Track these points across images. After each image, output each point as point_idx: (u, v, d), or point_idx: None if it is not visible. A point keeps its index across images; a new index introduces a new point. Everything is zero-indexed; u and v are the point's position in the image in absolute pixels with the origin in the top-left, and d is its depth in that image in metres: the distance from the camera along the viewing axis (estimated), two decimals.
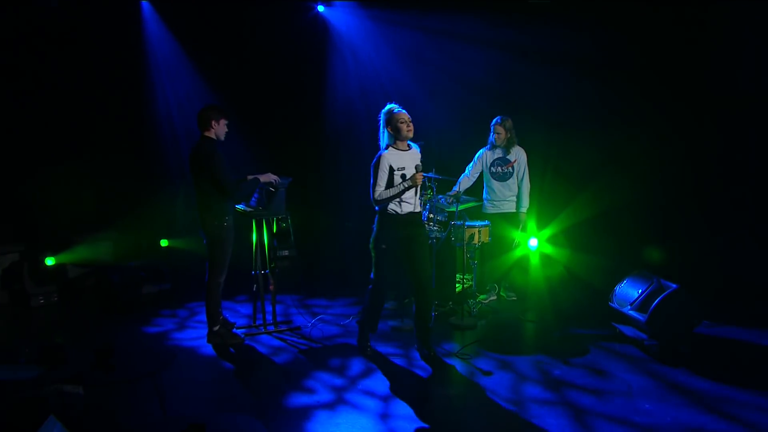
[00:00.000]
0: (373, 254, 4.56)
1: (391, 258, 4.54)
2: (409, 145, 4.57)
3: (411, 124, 4.44)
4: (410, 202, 4.48)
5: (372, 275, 4.62)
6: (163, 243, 7.70)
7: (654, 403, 3.83)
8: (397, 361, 4.66)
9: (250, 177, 5.13)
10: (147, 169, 7.77)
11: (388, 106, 4.48)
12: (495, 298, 6.27)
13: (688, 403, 3.82)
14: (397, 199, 4.43)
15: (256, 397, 4.11)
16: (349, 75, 7.94)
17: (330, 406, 3.91)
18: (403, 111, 4.47)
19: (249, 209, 5.33)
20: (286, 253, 7.41)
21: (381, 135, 4.52)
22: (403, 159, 4.46)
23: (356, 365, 4.59)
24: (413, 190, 4.45)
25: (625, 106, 6.87)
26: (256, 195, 5.47)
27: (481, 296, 6.19)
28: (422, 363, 4.58)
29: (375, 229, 4.56)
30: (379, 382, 4.26)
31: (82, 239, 6.94)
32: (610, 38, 6.77)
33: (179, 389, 4.10)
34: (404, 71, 7.59)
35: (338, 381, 4.31)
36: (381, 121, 4.50)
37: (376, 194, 4.41)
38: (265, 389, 4.23)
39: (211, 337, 5.08)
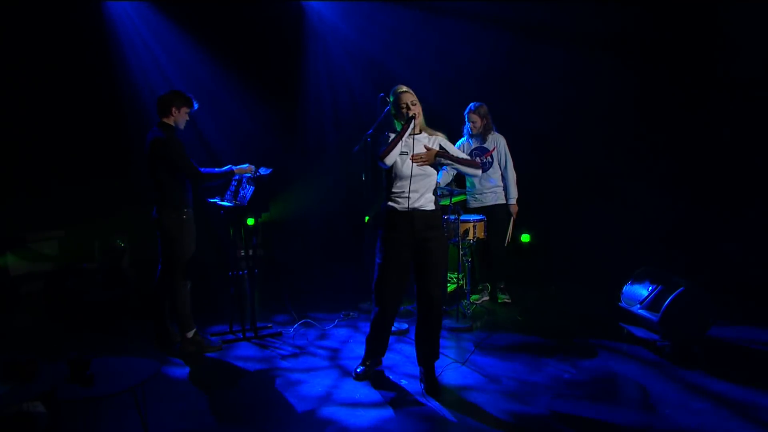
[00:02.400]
0: (376, 257, 4.08)
1: (395, 266, 4.01)
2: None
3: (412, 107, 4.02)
4: (411, 197, 3.94)
5: (373, 284, 4.10)
6: (119, 243, 7.31)
7: (674, 409, 3.77)
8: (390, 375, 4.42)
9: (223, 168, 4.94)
10: (100, 158, 7.32)
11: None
12: (488, 298, 6.19)
13: (711, 408, 3.77)
14: (397, 194, 3.99)
15: (240, 409, 3.88)
16: (329, 60, 7.75)
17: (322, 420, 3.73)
18: (403, 91, 4.08)
19: (228, 204, 5.10)
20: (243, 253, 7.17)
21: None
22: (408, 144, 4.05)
23: (345, 377, 4.38)
24: (421, 184, 3.96)
25: (628, 96, 6.87)
26: (231, 188, 5.26)
27: (474, 296, 6.09)
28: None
29: (380, 229, 4.11)
30: (365, 396, 4.04)
31: (24, 238, 6.51)
32: (613, 26, 6.77)
33: (156, 403, 3.84)
34: (385, 54, 7.45)
35: (329, 392, 4.13)
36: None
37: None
38: (250, 400, 4.00)
39: (185, 345, 4.81)
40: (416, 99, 4.06)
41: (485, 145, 5.91)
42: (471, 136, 5.96)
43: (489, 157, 5.89)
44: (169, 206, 4.68)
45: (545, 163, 6.82)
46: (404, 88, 4.09)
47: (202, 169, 4.79)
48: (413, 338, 4.31)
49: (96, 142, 7.18)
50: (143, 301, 6.12)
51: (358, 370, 4.30)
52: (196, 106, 4.90)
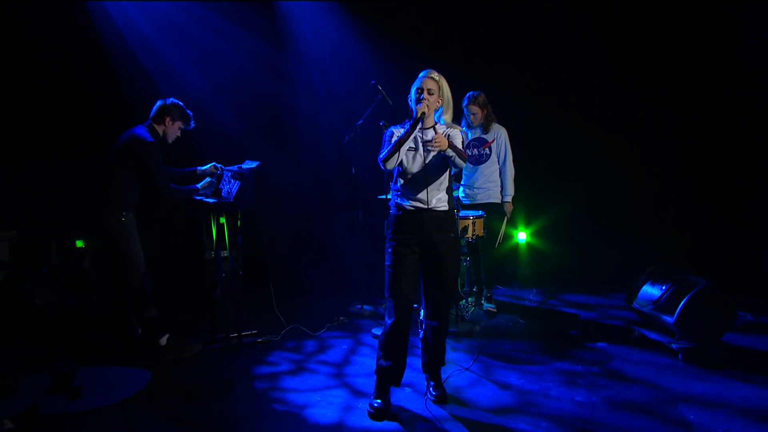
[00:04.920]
0: (386, 259, 3.75)
1: (406, 271, 3.66)
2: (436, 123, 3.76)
3: (427, 96, 3.63)
4: (420, 196, 3.65)
5: (386, 292, 3.74)
6: (79, 244, 6.99)
7: (699, 415, 3.72)
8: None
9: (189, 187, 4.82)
10: (58, 150, 6.92)
11: None
12: (480, 302, 6.08)
13: (737, 413, 3.73)
14: (405, 192, 3.71)
15: (234, 422, 3.69)
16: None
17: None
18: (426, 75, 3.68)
19: (212, 200, 4.91)
20: (225, 254, 6.94)
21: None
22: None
23: (340, 389, 4.21)
24: (428, 179, 3.64)
25: (619, 84, 6.87)
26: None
27: (470, 298, 5.99)
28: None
29: (388, 230, 3.78)
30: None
31: None
32: (603, 18, 6.76)
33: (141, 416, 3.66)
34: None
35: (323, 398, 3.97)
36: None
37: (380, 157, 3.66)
38: (243, 412, 3.82)
39: (162, 353, 4.60)
40: (437, 87, 3.65)
41: (485, 137, 5.74)
42: (470, 127, 5.78)
43: (486, 149, 5.74)
44: (110, 205, 4.52)
45: (547, 160, 6.77)
46: (430, 74, 3.67)
47: (174, 169, 4.78)
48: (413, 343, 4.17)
49: (48, 125, 6.71)
50: (109, 306, 5.84)
51: (375, 404, 3.69)
52: (192, 125, 4.83)
